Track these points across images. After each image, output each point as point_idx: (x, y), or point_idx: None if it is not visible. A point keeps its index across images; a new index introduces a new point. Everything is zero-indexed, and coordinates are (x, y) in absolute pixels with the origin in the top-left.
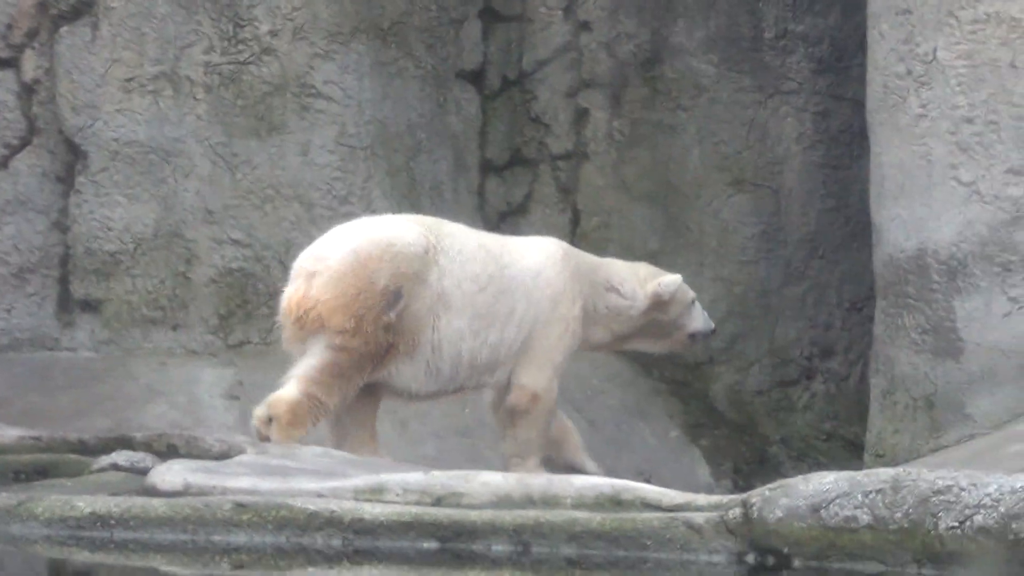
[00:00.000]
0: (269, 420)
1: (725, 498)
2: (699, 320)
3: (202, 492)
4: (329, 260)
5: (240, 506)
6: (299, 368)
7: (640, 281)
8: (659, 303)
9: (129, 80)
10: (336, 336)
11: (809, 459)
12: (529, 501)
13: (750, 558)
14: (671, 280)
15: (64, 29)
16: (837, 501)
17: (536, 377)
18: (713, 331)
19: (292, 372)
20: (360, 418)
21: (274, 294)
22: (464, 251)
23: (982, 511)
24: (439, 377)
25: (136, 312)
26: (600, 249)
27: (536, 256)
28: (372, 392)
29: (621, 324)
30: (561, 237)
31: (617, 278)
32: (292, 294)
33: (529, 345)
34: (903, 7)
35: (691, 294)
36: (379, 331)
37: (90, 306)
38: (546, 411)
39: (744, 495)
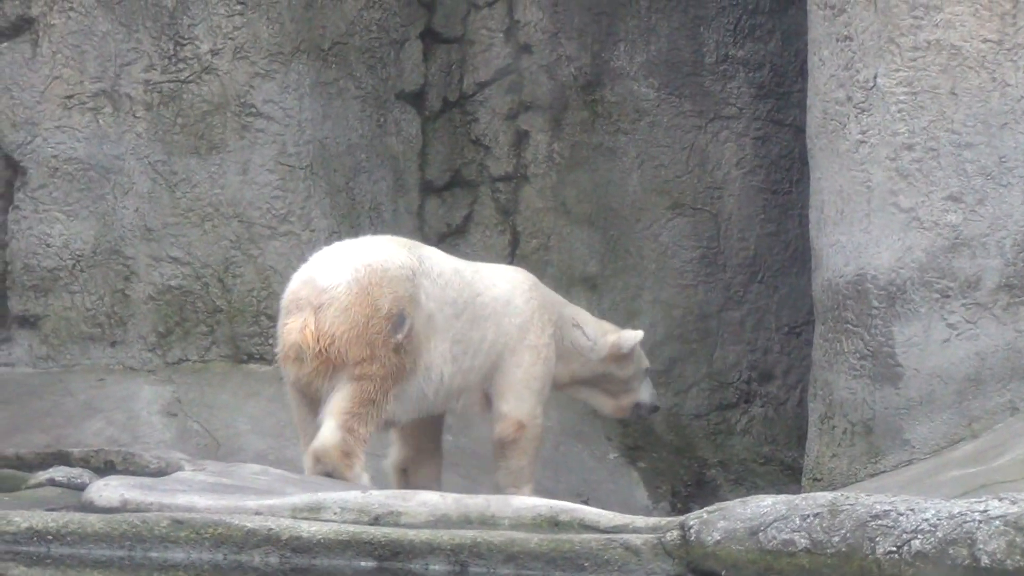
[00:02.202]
0: (324, 471)
1: (663, 520)
2: (647, 392)
3: (140, 508)
4: (333, 291)
5: (178, 523)
6: (331, 407)
7: (603, 330)
8: (617, 355)
9: (69, 97)
10: (356, 367)
11: (747, 482)
12: (467, 521)
13: None
14: (633, 334)
15: (3, 45)
16: (775, 524)
17: (517, 406)
18: (657, 408)
19: (325, 411)
20: None
21: (213, 312)
22: (443, 275)
23: (920, 536)
24: (423, 401)
25: (74, 328)
26: (539, 271)
27: (505, 285)
28: None
29: (581, 366)
30: (500, 259)
31: (582, 318)
32: (301, 327)
33: (504, 376)
34: (844, 34)
35: (646, 363)
36: (391, 354)
37: (28, 322)
38: (534, 438)
39: (682, 517)
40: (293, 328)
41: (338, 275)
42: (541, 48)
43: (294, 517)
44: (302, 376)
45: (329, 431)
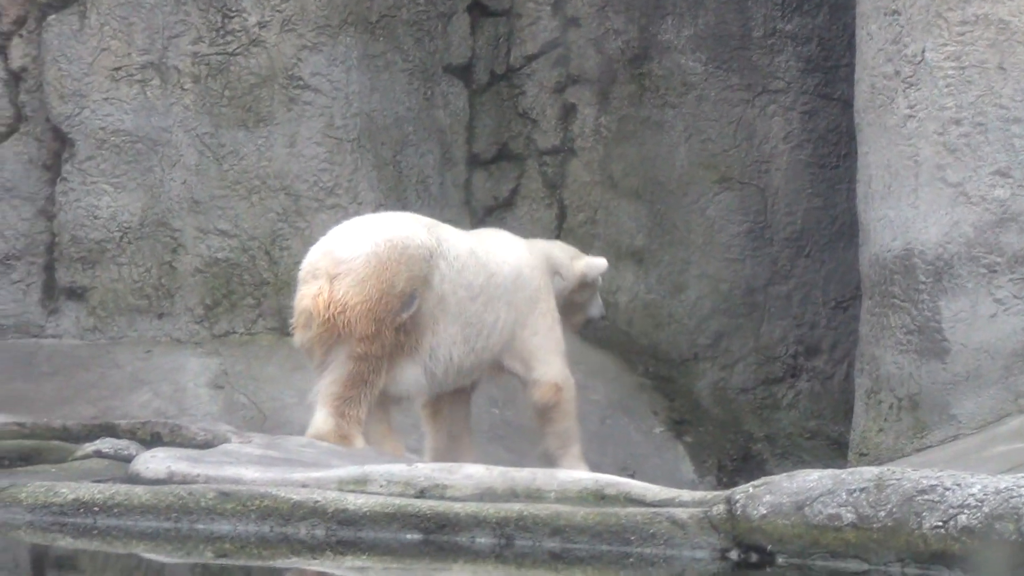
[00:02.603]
0: None
1: (709, 494)
2: (598, 306)
3: (186, 480)
4: (352, 262)
5: (224, 495)
6: (323, 387)
7: (569, 261)
8: (582, 284)
9: (117, 69)
10: (359, 344)
11: (793, 457)
12: (513, 494)
13: (733, 554)
14: (598, 262)
15: (52, 17)
16: (821, 499)
17: (547, 370)
18: (604, 317)
19: (317, 393)
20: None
21: (259, 284)
22: (460, 257)
23: (966, 511)
24: (432, 381)
25: (122, 300)
26: (586, 245)
27: (512, 260)
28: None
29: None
30: (547, 233)
31: (558, 261)
32: (315, 294)
33: (523, 344)
34: (892, 8)
35: (600, 279)
36: (393, 332)
37: (75, 294)
38: (572, 397)
39: (728, 492)
40: (307, 295)
41: (358, 247)
42: (589, 21)
43: (340, 490)
44: (304, 341)
45: (322, 419)
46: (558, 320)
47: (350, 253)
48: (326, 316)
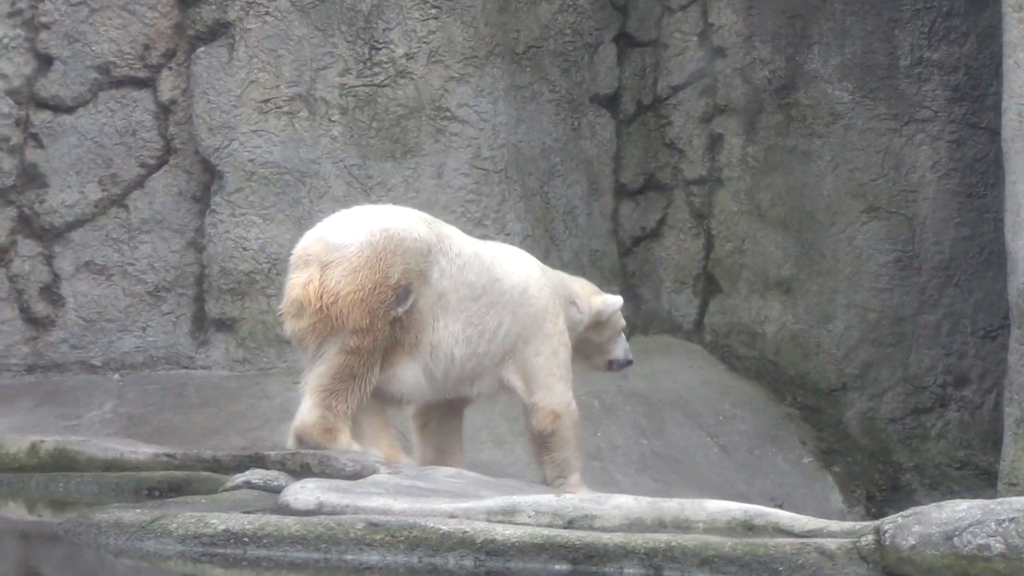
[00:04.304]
0: (306, 445)
1: (858, 525)
2: (622, 350)
3: (335, 511)
4: (345, 251)
5: (373, 526)
6: (311, 378)
7: (586, 296)
8: (598, 321)
9: (265, 101)
10: (351, 337)
11: (942, 487)
12: (661, 525)
13: None
14: (614, 300)
15: (201, 50)
16: (970, 529)
17: (547, 396)
18: (630, 363)
19: (304, 383)
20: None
21: None
22: (462, 255)
23: None
24: (433, 382)
25: (270, 331)
26: (733, 275)
27: (521, 273)
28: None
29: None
30: (694, 262)
31: (574, 290)
32: (305, 282)
33: (523, 366)
34: None
35: (623, 322)
36: (386, 326)
37: (225, 325)
38: (572, 425)
39: (877, 522)
40: (297, 283)
41: (352, 235)
42: (735, 51)
43: (489, 520)
44: (296, 331)
45: (307, 409)
46: (566, 346)
47: (344, 240)
48: (318, 306)
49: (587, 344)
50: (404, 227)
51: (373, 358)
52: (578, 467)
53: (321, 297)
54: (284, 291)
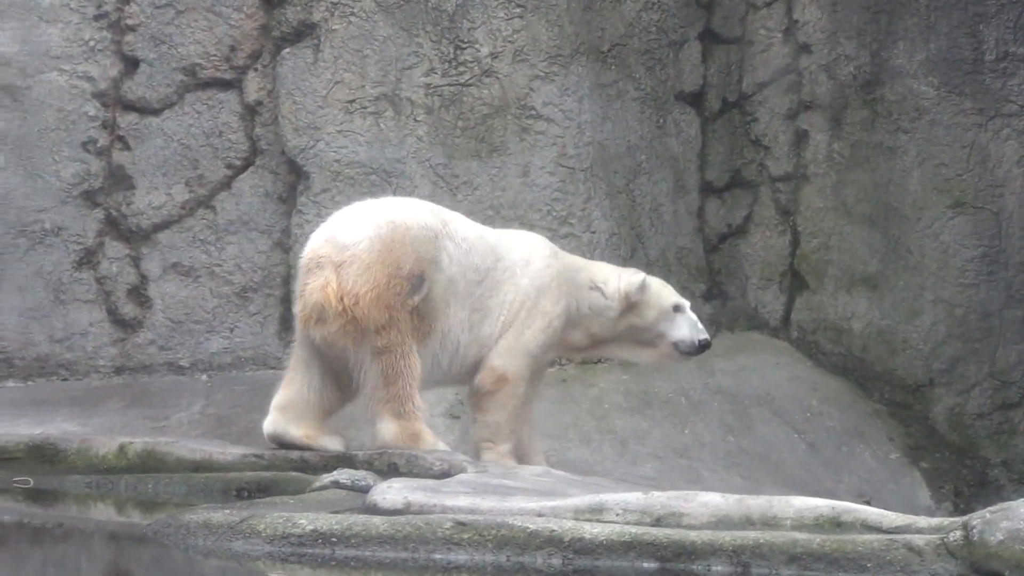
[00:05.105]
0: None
1: (946, 520)
2: (684, 329)
3: (423, 511)
4: (355, 248)
5: (460, 525)
6: (369, 401)
7: (611, 278)
8: (631, 304)
9: (351, 102)
10: (377, 338)
11: None
12: (748, 522)
13: None
14: (635, 276)
15: (286, 51)
16: None
17: (508, 361)
18: (704, 344)
19: (366, 408)
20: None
21: None
22: (467, 239)
23: None
24: (437, 370)
25: None
26: (819, 271)
27: (526, 248)
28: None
29: (600, 326)
30: (780, 259)
31: (600, 277)
32: (323, 285)
33: (510, 332)
34: None
35: (672, 301)
36: (407, 316)
37: None
38: (513, 396)
39: (965, 518)
40: (315, 288)
41: (360, 232)
42: (820, 47)
43: (576, 519)
44: (327, 336)
45: (384, 428)
46: (554, 331)
47: (353, 238)
48: (340, 308)
49: (637, 331)
50: (409, 216)
51: (407, 348)
52: (510, 439)
53: (342, 299)
54: (299, 295)
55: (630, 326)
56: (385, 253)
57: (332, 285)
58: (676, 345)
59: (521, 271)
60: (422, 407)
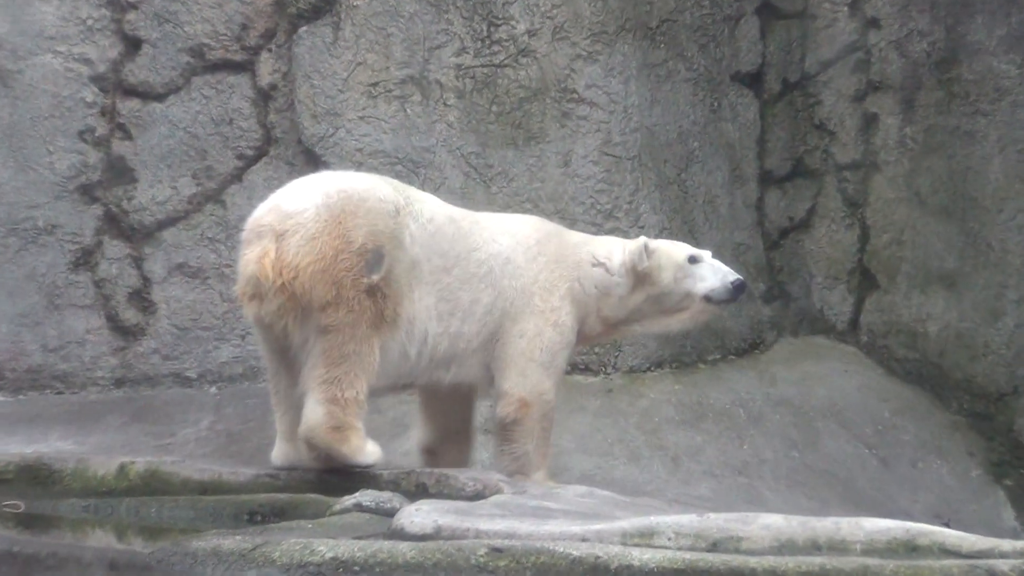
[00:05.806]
0: (319, 455)
1: None
2: (709, 278)
3: (454, 535)
4: (300, 217)
5: (496, 551)
6: (305, 375)
7: (615, 252)
8: (638, 273)
9: (374, 85)
10: (322, 315)
11: None
12: (814, 546)
13: None
14: (635, 242)
15: (303, 30)
16: None
17: (520, 382)
18: (740, 285)
19: (302, 385)
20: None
21: None
22: (434, 220)
23: None
24: (405, 362)
25: None
26: (891, 268)
27: (506, 241)
28: None
29: (611, 307)
30: (848, 256)
31: (602, 252)
32: (260, 256)
33: (505, 347)
34: None
35: (685, 253)
36: (362, 297)
37: None
38: (541, 417)
39: None
40: (251, 258)
41: (307, 200)
42: (890, 22)
43: (624, 544)
44: (264, 316)
45: (310, 409)
46: (556, 326)
47: (298, 206)
48: (279, 283)
49: (659, 300)
50: (365, 187)
51: (359, 332)
52: (542, 464)
53: (281, 272)
54: (237, 269)
55: (648, 297)
56: (333, 223)
57: (270, 255)
58: (708, 298)
59: (500, 270)
60: (362, 402)
